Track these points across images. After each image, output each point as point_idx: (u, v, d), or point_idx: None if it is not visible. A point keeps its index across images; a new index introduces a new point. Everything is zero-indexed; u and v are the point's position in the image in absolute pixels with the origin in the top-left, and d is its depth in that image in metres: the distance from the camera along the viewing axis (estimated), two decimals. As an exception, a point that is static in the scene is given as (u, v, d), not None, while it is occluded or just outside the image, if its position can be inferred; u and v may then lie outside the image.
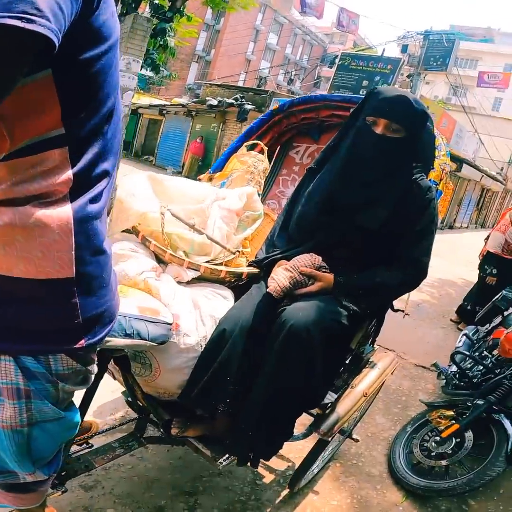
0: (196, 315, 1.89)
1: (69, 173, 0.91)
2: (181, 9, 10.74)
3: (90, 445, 2.07)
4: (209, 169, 2.85)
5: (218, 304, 1.96)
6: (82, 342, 1.08)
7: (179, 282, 2.03)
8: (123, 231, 2.19)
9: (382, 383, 2.46)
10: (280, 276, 1.86)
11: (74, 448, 2.00)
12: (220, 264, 2.11)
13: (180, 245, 2.14)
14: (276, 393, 1.69)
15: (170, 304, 1.85)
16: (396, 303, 2.27)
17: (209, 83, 21.01)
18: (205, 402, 1.80)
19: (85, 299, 1.05)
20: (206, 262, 2.09)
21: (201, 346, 1.84)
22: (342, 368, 2.13)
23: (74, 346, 1.07)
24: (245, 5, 12.79)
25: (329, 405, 2.03)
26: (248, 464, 1.83)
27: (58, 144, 0.89)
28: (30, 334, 1.02)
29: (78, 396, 1.44)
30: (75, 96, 0.88)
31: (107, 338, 1.54)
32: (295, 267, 1.88)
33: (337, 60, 15.06)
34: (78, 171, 0.93)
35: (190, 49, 32.90)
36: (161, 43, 10.88)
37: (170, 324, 1.75)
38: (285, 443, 1.86)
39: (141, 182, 2.33)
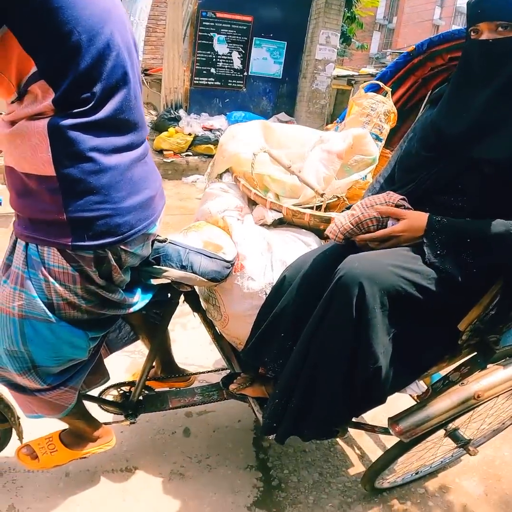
0: (266, 259, 1.86)
1: (50, 99, 1.18)
2: None
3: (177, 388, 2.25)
4: (337, 119, 2.80)
5: (295, 249, 1.90)
6: (68, 241, 1.29)
7: (263, 224, 2.05)
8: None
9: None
10: (341, 217, 1.64)
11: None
12: (312, 208, 2.05)
13: (272, 187, 2.15)
14: (314, 360, 1.50)
15: (239, 243, 1.87)
16: None
17: (395, 52, 20.53)
18: (256, 357, 1.76)
19: (69, 199, 1.26)
20: (296, 205, 2.06)
21: (266, 293, 1.81)
22: (444, 356, 1.72)
23: (60, 242, 1.29)
24: None
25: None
26: (272, 436, 1.69)
27: (35, 79, 1.16)
28: (33, 224, 1.32)
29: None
30: (34, 38, 1.13)
31: (163, 268, 1.69)
32: (364, 206, 1.61)
33: None
34: (58, 97, 1.18)
35: (371, 18, 32.18)
36: (349, 15, 11.19)
37: (229, 262, 1.77)
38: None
39: (251, 128, 2.41)
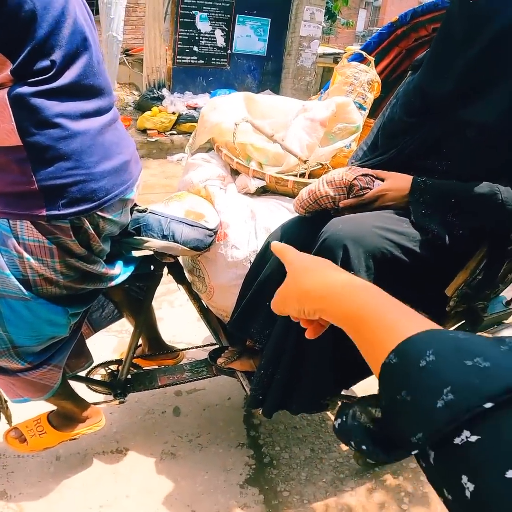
0: (250, 227, 1.86)
1: (8, 70, 1.16)
2: None
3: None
4: (321, 90, 2.78)
5: (279, 216, 1.89)
6: (43, 211, 1.27)
7: (247, 193, 2.04)
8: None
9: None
10: (303, 190, 1.62)
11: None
12: (296, 175, 2.04)
13: (255, 155, 2.14)
14: (298, 330, 1.50)
15: (222, 212, 1.87)
16: None
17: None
18: (242, 328, 1.75)
19: (39, 167, 1.24)
20: (279, 173, 2.04)
21: (250, 262, 1.80)
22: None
23: (33, 213, 1.27)
24: None
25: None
26: (260, 411, 1.70)
27: None
28: (3, 198, 1.30)
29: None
30: None
31: (144, 238, 1.67)
32: (323, 182, 1.56)
33: None
34: (16, 67, 1.16)
35: None
36: None
37: (211, 229, 1.77)
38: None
39: (233, 99, 2.40)
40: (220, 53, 8.84)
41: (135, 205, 1.69)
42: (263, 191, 2.06)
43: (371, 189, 1.52)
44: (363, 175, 1.52)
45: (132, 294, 1.99)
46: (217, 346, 2.13)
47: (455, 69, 1.45)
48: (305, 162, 1.98)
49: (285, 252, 0.80)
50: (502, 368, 0.39)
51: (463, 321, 1.77)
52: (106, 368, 2.07)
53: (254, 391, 1.66)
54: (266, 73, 9.37)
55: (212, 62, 8.84)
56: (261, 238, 1.82)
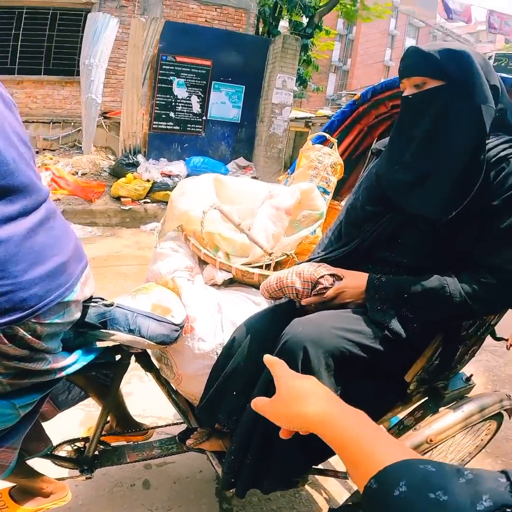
0: (216, 320, 1.92)
1: None
2: (319, 24, 11.85)
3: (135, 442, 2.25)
4: (288, 170, 2.89)
5: (245, 309, 1.96)
6: None
7: (214, 284, 2.10)
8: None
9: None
10: (272, 276, 1.73)
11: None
12: (261, 267, 2.12)
13: (222, 245, 2.21)
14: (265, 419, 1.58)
15: (188, 306, 1.92)
16: (500, 329, 1.96)
17: (350, 93, 21.63)
18: (210, 415, 1.80)
19: None
20: (246, 264, 2.12)
21: (217, 353, 1.86)
22: (395, 404, 1.81)
23: None
24: (380, 14, 14.01)
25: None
26: (232, 490, 1.72)
27: None
28: None
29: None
30: None
31: (110, 332, 1.70)
32: (291, 272, 1.68)
33: (491, 62, 14.28)
34: None
35: (327, 61, 34.61)
36: (305, 58, 12.00)
37: (177, 325, 1.81)
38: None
39: (202, 183, 2.49)
40: (195, 119, 9.14)
41: (102, 299, 1.73)
42: (230, 282, 2.12)
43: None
44: (330, 274, 1.64)
45: (98, 381, 2.00)
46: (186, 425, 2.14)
47: (401, 163, 1.63)
48: (270, 254, 2.05)
49: (275, 367, 0.93)
50: (456, 503, 0.51)
51: (427, 398, 1.85)
52: (72, 445, 2.05)
53: (226, 474, 1.69)
54: (240, 140, 9.69)
55: (188, 129, 9.12)
56: (227, 331, 1.88)
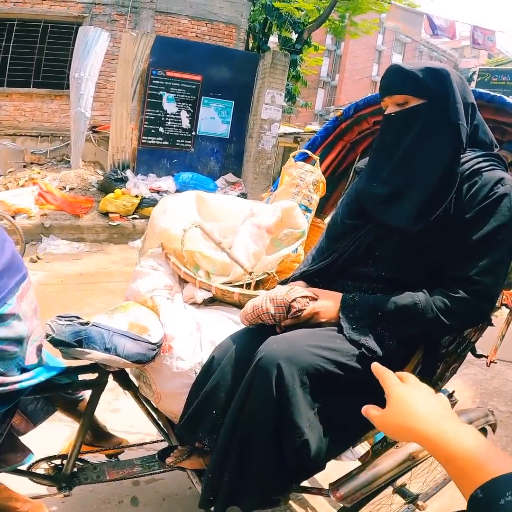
0: (195, 339, 1.93)
1: None
2: (308, 40, 12.13)
3: (116, 459, 2.25)
4: (271, 187, 2.91)
5: (225, 328, 1.97)
6: None
7: (195, 303, 2.11)
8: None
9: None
10: (249, 304, 1.76)
11: (98, 458, 2.21)
12: (242, 286, 2.13)
13: (203, 264, 2.23)
14: (241, 436, 1.58)
15: (166, 324, 1.93)
16: (481, 345, 2.00)
17: (338, 108, 22.11)
18: (189, 433, 1.81)
19: None
20: (226, 283, 2.13)
21: (196, 372, 1.87)
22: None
23: None
24: (367, 30, 14.31)
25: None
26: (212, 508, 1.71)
27: None
28: None
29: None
30: None
31: (86, 350, 1.71)
32: (266, 299, 1.71)
33: (475, 77, 14.70)
34: None
35: (315, 76, 35.59)
36: (294, 74, 12.24)
37: (154, 343, 1.82)
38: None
39: (184, 200, 2.51)
40: (184, 134, 9.20)
41: (77, 317, 1.74)
42: (211, 300, 2.13)
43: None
44: (301, 296, 1.67)
45: (64, 398, 2.02)
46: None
47: (381, 178, 1.72)
48: (250, 273, 2.07)
49: (385, 377, 0.95)
50: None
51: None
52: (49, 463, 2.04)
53: (204, 492, 1.69)
54: (229, 156, 9.75)
55: (177, 144, 9.18)
56: (206, 350, 1.89)
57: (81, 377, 1.92)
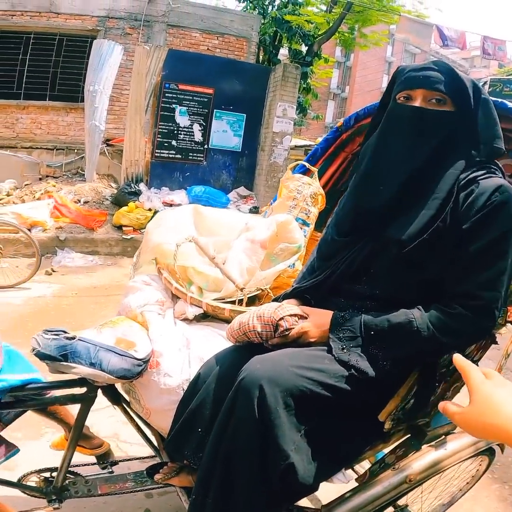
0: (184, 355, 1.91)
1: None
2: (319, 52, 12.22)
3: (110, 470, 2.24)
4: (271, 201, 2.88)
5: (214, 345, 1.95)
6: None
7: (186, 319, 2.09)
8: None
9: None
10: (235, 320, 1.72)
11: (91, 469, 2.19)
12: (234, 302, 2.10)
13: (196, 279, 2.22)
14: (225, 456, 1.54)
15: (155, 340, 1.92)
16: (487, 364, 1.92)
17: None
18: (176, 451, 1.79)
19: None
20: (218, 299, 2.11)
21: (183, 389, 1.85)
22: (374, 443, 1.73)
23: None
24: (377, 41, 14.37)
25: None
26: None
27: None
28: None
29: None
30: None
31: (71, 365, 1.72)
32: (253, 316, 1.66)
33: (486, 87, 14.78)
34: None
35: (325, 88, 35.86)
36: (304, 86, 12.30)
37: (140, 359, 1.81)
38: None
39: (181, 214, 2.50)
40: (197, 148, 9.26)
41: (64, 331, 1.76)
42: (204, 317, 2.12)
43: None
44: (290, 315, 1.62)
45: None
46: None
47: (392, 184, 1.58)
48: (241, 289, 2.05)
49: (469, 373, 0.88)
50: None
51: (409, 435, 1.80)
52: (39, 476, 2.05)
53: (190, 508, 1.66)
54: (241, 169, 9.79)
55: (190, 157, 9.24)
56: (194, 367, 1.88)
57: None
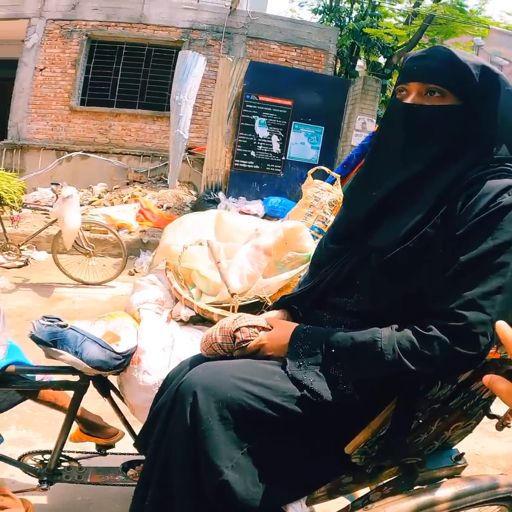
0: (166, 355, 1.95)
1: None
2: (398, 65, 11.97)
3: (104, 453, 2.32)
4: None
5: (197, 348, 1.96)
6: None
7: (182, 320, 2.13)
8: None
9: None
10: (204, 334, 1.65)
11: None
12: (228, 308, 2.09)
13: (198, 282, 2.25)
14: (161, 463, 1.48)
15: (141, 337, 1.98)
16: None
17: None
18: (143, 449, 1.78)
19: None
20: (215, 304, 2.12)
21: (159, 388, 1.88)
22: (339, 475, 1.56)
23: None
24: None
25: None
26: None
27: None
28: None
29: None
30: None
31: (59, 351, 1.83)
32: (216, 328, 1.59)
33: None
34: None
35: None
36: (383, 99, 12.07)
37: (118, 353, 1.88)
38: None
39: (203, 218, 2.56)
40: (275, 159, 9.35)
41: (59, 319, 1.89)
42: (202, 320, 2.13)
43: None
44: (248, 326, 1.54)
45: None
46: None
47: (381, 188, 1.44)
48: (232, 295, 2.04)
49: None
50: None
51: (400, 474, 1.64)
52: (35, 458, 2.19)
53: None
54: (317, 182, 9.71)
55: (267, 168, 9.34)
56: (173, 367, 1.89)
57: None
